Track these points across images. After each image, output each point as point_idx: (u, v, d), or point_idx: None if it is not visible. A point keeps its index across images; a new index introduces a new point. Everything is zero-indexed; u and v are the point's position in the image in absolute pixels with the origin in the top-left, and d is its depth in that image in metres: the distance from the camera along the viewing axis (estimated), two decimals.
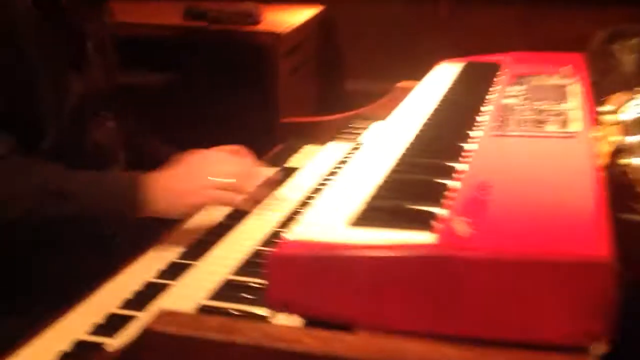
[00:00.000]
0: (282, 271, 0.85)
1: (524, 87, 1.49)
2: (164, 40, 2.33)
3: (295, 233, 0.90)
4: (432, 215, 0.92)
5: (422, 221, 0.90)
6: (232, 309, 1.03)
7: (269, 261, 0.85)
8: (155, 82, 2.37)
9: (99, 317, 1.08)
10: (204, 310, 1.04)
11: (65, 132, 1.36)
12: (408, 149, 1.20)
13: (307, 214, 0.97)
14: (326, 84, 2.66)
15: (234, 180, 1.31)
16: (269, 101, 2.22)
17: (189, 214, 1.33)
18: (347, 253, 0.84)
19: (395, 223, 0.90)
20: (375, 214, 0.94)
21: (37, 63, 1.29)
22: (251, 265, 1.16)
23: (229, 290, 1.09)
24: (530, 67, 1.67)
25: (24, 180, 1.24)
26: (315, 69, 2.62)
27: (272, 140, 1.93)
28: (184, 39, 2.32)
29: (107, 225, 1.31)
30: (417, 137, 1.27)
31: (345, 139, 1.80)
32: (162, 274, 1.19)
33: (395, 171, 1.11)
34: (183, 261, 1.22)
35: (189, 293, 1.10)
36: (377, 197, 1.00)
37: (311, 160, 1.67)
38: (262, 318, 0.99)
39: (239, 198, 1.32)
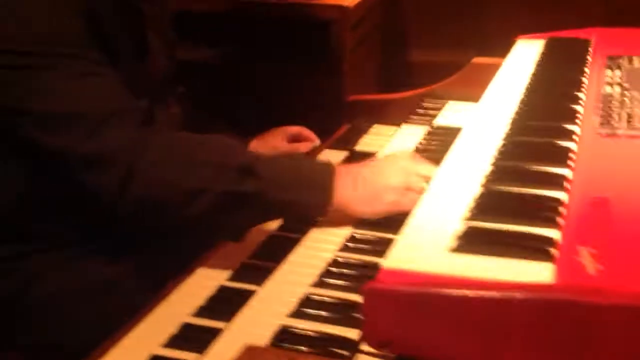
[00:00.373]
0: (380, 306, 0.76)
1: (619, 72, 1.36)
2: (223, 14, 2.21)
3: (392, 260, 0.81)
4: (547, 241, 0.81)
5: (536, 248, 0.80)
6: (317, 332, 0.95)
7: (365, 295, 0.76)
8: (213, 59, 2.27)
9: (171, 327, 1.00)
10: (287, 333, 0.95)
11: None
12: (502, 153, 1.09)
13: (405, 233, 0.87)
14: (390, 56, 2.53)
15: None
16: (335, 78, 2.10)
17: (382, 214, 1.17)
18: (454, 292, 0.74)
19: (505, 249, 0.80)
20: (480, 236, 0.84)
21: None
22: (332, 275, 1.07)
23: (310, 306, 1.01)
24: (619, 46, 1.53)
25: (206, 150, 1.14)
26: (380, 40, 2.49)
27: (337, 119, 1.83)
28: (245, 12, 2.20)
29: (287, 216, 1.21)
30: (511, 136, 1.15)
31: (418, 120, 1.68)
32: (235, 276, 1.12)
33: (491, 180, 1.00)
34: (256, 262, 1.14)
35: (269, 307, 1.02)
36: (478, 213, 0.90)
37: (385, 146, 1.56)
38: (352, 343, 0.91)
39: None
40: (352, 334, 0.93)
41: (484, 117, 1.25)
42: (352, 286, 1.03)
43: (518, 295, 0.71)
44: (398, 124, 1.69)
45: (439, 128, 1.61)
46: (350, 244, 1.15)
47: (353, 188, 1.14)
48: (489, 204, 0.92)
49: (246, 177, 1.11)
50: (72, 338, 1.17)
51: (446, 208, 0.92)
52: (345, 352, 0.90)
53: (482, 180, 0.99)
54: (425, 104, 1.76)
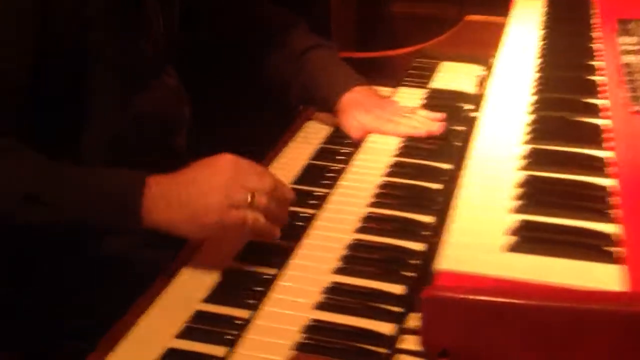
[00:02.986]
0: (440, 315, 0.71)
1: (635, 38, 1.31)
2: None
3: (447, 261, 0.75)
4: (604, 238, 0.77)
5: (595, 246, 0.75)
6: (348, 326, 0.89)
7: (423, 303, 0.71)
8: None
9: (183, 315, 0.94)
10: (315, 328, 0.90)
11: (121, 96, 1.18)
12: (532, 132, 1.03)
13: (453, 229, 0.81)
14: (366, 6, 2.44)
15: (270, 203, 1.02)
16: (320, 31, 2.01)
17: (201, 238, 1.05)
18: (522, 302, 0.69)
19: (563, 248, 0.75)
20: (534, 232, 0.79)
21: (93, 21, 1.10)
22: (355, 261, 1.02)
23: (337, 294, 0.95)
24: (626, 7, 1.48)
25: None
26: None
27: None
28: None
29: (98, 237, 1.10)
30: (537, 113, 1.10)
31: (413, 82, 1.61)
32: (244, 256, 1.05)
33: (530, 165, 0.95)
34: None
35: (294, 297, 0.96)
36: (527, 204, 0.85)
37: None
38: (386, 339, 0.86)
39: (277, 231, 1.03)
40: (385, 328, 0.88)
41: (501, 92, 1.19)
42: (379, 272, 0.98)
43: (594, 306, 0.66)
44: (390, 85, 1.62)
45: (436, 91, 1.55)
46: (367, 225, 1.09)
47: (168, 211, 0.99)
48: (535, 192, 0.87)
49: (32, 206, 0.99)
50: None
51: (489, 198, 0.86)
52: (382, 350, 0.85)
53: (519, 164, 0.94)
54: (417, 64, 1.69)
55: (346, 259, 1.02)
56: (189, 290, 1.01)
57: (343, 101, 1.37)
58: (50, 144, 1.07)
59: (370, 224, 1.09)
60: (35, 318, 1.17)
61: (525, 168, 0.92)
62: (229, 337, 0.90)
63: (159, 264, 1.08)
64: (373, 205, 1.14)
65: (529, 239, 0.77)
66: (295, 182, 1.25)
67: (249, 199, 0.99)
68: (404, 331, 0.86)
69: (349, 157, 1.30)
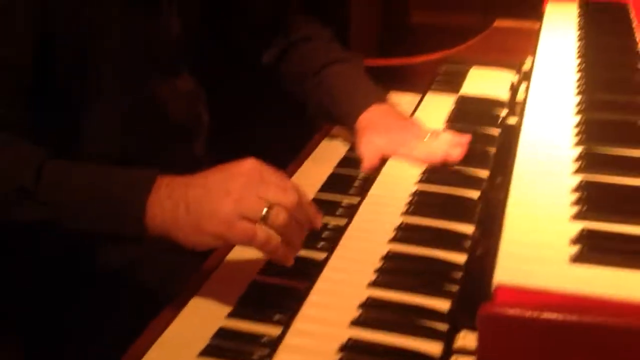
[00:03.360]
0: (499, 334, 0.63)
1: None
2: None
3: (506, 274, 0.67)
4: None
5: None
6: (389, 345, 0.82)
7: (480, 321, 0.63)
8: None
9: (205, 333, 0.87)
10: (354, 347, 0.82)
11: (126, 93, 1.10)
12: (582, 134, 0.96)
13: (508, 239, 0.74)
14: (389, 17, 2.38)
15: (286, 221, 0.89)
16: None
17: (202, 248, 0.93)
18: (592, 318, 0.61)
19: (633, 259, 0.68)
20: (599, 241, 0.72)
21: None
22: (392, 273, 0.94)
23: (375, 309, 0.87)
24: None
25: None
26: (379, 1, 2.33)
27: None
28: None
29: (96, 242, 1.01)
30: (585, 114, 1.02)
31: (442, 88, 1.54)
32: (269, 270, 0.98)
33: (584, 168, 0.87)
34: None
35: (328, 312, 0.88)
36: (588, 210, 0.77)
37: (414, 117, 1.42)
38: None
39: (291, 257, 0.91)
40: (432, 347, 0.81)
41: (542, 95, 1.11)
42: (418, 285, 0.90)
43: None
44: (416, 92, 1.55)
45: (467, 98, 1.48)
46: (402, 234, 1.02)
47: (173, 214, 0.89)
48: (593, 197, 0.79)
49: (27, 202, 0.92)
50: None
51: (543, 205, 0.79)
52: None
53: (573, 167, 0.87)
54: (445, 70, 1.63)
55: (382, 271, 0.94)
56: (212, 305, 0.93)
57: (360, 122, 1.26)
58: (53, 147, 0.99)
59: (406, 233, 1.01)
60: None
61: (580, 171, 0.84)
62: (256, 356, 0.83)
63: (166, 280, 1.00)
64: (407, 213, 1.07)
65: (595, 247, 0.69)
66: (320, 191, 1.19)
67: (264, 212, 0.87)
68: (452, 351, 0.79)
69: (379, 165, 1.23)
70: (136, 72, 1.11)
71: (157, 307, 0.93)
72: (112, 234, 0.92)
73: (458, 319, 0.83)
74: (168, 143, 1.18)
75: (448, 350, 0.79)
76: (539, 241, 0.72)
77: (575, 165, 0.87)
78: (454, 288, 0.90)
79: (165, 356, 0.86)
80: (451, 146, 1.18)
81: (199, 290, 0.97)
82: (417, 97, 1.51)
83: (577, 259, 0.69)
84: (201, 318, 0.91)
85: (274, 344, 0.83)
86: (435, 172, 1.16)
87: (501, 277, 0.66)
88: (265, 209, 0.87)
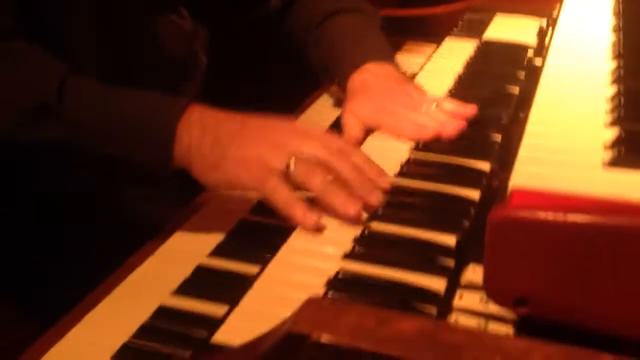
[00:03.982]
0: (517, 246, 0.51)
1: None
2: None
3: (522, 176, 0.55)
4: None
5: None
6: (383, 279, 0.70)
7: (491, 228, 0.51)
8: None
9: (143, 312, 0.71)
10: (345, 281, 0.70)
11: (118, 22, 0.99)
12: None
13: (527, 144, 0.61)
14: None
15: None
16: None
17: (222, 187, 0.84)
18: (623, 221, 0.48)
19: None
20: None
21: None
22: (394, 207, 0.82)
23: (373, 243, 0.75)
24: None
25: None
26: None
27: None
28: None
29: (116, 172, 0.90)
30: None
31: (462, 35, 1.42)
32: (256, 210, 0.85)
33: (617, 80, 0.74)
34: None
35: (316, 246, 0.76)
36: (627, 115, 0.64)
37: (425, 66, 1.29)
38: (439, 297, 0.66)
39: (313, 217, 0.79)
40: (437, 283, 0.69)
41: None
42: (423, 220, 0.78)
43: None
44: (437, 43, 1.42)
45: (490, 42, 1.35)
46: (408, 169, 0.90)
47: (198, 143, 0.81)
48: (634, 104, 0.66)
49: (44, 120, 0.83)
50: None
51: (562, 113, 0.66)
52: (432, 307, 0.65)
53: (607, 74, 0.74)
54: (467, 17, 1.50)
55: (384, 204, 0.82)
56: (192, 243, 0.81)
57: (350, 83, 1.06)
58: None
59: (413, 168, 0.89)
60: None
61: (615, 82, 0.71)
62: (231, 296, 0.71)
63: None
64: (416, 149, 0.94)
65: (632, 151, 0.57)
66: None
67: (291, 164, 0.79)
68: (458, 286, 0.67)
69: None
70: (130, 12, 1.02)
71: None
72: (137, 160, 0.84)
73: (466, 253, 0.71)
74: (161, 78, 1.06)
75: (453, 286, 0.67)
76: (564, 146, 0.59)
77: (611, 77, 0.74)
78: (465, 223, 0.77)
79: (134, 293, 0.74)
80: (449, 118, 0.97)
81: (183, 225, 0.85)
82: (433, 47, 1.38)
83: (611, 162, 0.56)
84: (181, 255, 0.79)
85: (252, 281, 0.71)
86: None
87: (517, 179, 0.53)
88: (292, 162, 0.79)
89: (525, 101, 1.05)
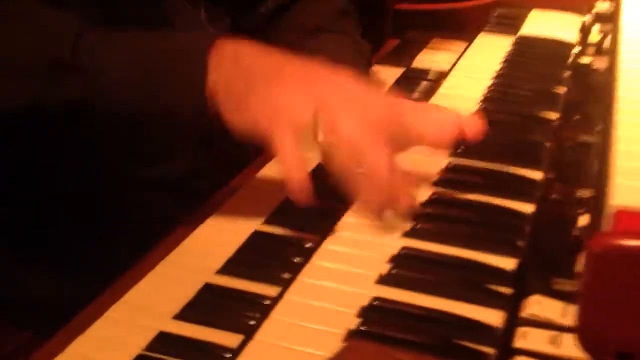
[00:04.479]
0: (620, 284, 0.39)
1: None
2: None
3: (625, 193, 0.43)
4: None
5: None
6: (425, 308, 0.58)
7: (590, 261, 0.39)
8: None
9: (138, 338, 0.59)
10: (378, 309, 0.58)
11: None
12: None
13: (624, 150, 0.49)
14: None
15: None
16: None
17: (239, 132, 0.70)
18: None
19: None
20: None
21: None
22: (434, 221, 0.70)
23: (410, 265, 0.63)
24: None
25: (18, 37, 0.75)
26: None
27: (380, 33, 1.44)
28: None
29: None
30: None
31: (496, 30, 1.30)
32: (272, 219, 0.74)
33: None
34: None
35: (344, 266, 0.65)
36: None
37: (456, 62, 1.17)
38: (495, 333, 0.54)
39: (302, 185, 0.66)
40: (492, 317, 0.57)
41: None
42: (470, 238, 0.66)
43: None
44: (464, 40, 1.30)
45: (529, 38, 1.23)
46: (449, 176, 0.78)
47: (228, 79, 0.70)
48: None
49: (62, 78, 0.73)
50: None
51: None
52: (488, 348, 0.53)
53: None
54: (499, 13, 1.38)
55: (422, 218, 0.70)
56: (197, 258, 0.70)
57: None
58: None
59: (454, 175, 0.77)
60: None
61: None
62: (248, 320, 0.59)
63: None
64: (456, 155, 0.83)
65: None
66: None
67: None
68: (519, 321, 0.55)
69: None
70: None
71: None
72: (168, 107, 0.72)
73: (524, 280, 0.59)
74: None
75: (513, 320, 0.55)
76: None
77: None
78: (521, 244, 0.66)
79: (130, 316, 0.63)
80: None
81: (187, 236, 0.73)
82: (465, 45, 1.26)
83: None
84: (184, 271, 0.67)
85: (271, 306, 0.60)
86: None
87: (619, 198, 0.41)
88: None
89: (574, 103, 0.94)
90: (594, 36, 1.14)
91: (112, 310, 0.62)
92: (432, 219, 0.70)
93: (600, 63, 1.05)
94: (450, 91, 1.03)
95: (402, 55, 1.28)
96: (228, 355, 0.56)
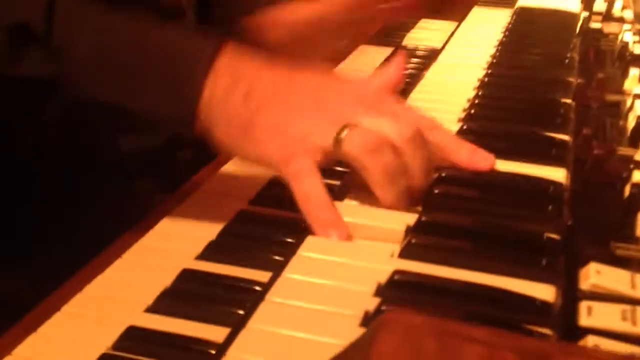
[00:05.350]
0: None
1: None
2: None
3: None
4: None
5: None
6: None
7: None
8: None
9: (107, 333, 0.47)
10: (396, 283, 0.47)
11: None
12: None
13: None
14: None
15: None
16: None
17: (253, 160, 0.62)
18: None
19: None
20: None
21: None
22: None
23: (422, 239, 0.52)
24: None
25: None
26: None
27: None
28: None
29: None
30: None
31: (491, 4, 1.21)
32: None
33: None
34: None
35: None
36: None
37: (448, 40, 1.07)
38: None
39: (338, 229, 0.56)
40: (539, 291, 0.46)
41: None
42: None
43: None
44: (456, 20, 1.20)
45: (530, 10, 1.14)
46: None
47: (225, 97, 0.60)
48: None
49: (29, 50, 0.62)
50: None
51: None
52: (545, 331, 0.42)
53: None
54: None
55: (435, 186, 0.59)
56: (176, 241, 0.58)
57: None
58: None
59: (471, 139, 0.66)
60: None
61: None
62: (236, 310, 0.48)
63: None
64: (467, 120, 0.72)
65: None
66: None
67: (341, 134, 0.56)
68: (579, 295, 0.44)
69: None
70: None
71: None
72: (150, 111, 0.63)
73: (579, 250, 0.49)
74: None
75: (571, 293, 0.44)
76: None
77: None
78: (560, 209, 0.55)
79: (98, 307, 0.51)
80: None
81: (163, 218, 0.61)
82: (456, 25, 1.16)
83: None
84: (161, 256, 0.56)
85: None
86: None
87: None
88: (345, 132, 0.56)
89: (590, 67, 0.85)
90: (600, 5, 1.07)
91: (71, 304, 0.50)
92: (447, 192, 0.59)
93: (611, 28, 0.98)
94: (451, 60, 0.93)
95: (391, 35, 1.18)
96: (213, 352, 0.44)
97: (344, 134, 0.56)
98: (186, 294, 0.51)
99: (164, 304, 0.49)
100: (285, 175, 0.57)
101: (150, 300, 0.50)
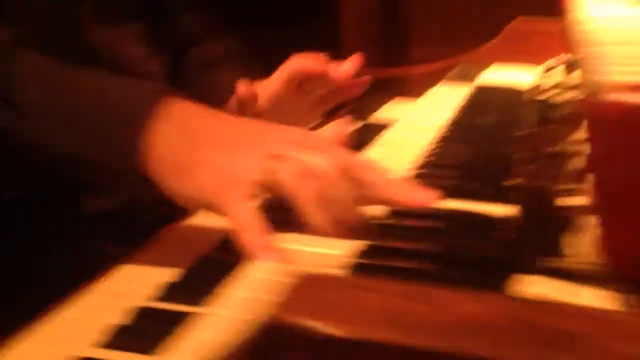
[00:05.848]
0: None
1: None
2: None
3: None
4: None
5: None
6: None
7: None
8: None
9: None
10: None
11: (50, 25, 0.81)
12: None
13: None
14: (390, 50, 2.15)
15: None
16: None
17: (191, 202, 0.64)
18: None
19: None
20: None
21: None
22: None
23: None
24: None
25: None
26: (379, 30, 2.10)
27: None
28: None
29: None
30: None
31: (455, 80, 1.26)
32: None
33: None
34: None
35: None
36: None
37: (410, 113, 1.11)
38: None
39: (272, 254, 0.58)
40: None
41: None
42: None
43: None
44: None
45: (485, 88, 1.19)
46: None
47: (164, 139, 0.63)
48: None
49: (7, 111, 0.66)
50: None
51: None
52: None
53: None
54: (460, 69, 1.35)
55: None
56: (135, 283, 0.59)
57: None
58: None
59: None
60: None
61: None
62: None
63: None
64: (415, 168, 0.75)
65: None
66: None
67: (274, 170, 0.60)
68: None
69: None
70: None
71: None
72: (93, 161, 0.66)
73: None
74: None
75: None
76: None
77: None
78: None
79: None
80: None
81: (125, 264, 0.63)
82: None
83: None
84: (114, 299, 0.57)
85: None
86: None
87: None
88: (280, 167, 0.60)
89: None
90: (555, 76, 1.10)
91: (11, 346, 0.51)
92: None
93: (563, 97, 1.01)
94: (408, 124, 0.97)
95: (361, 110, 1.22)
96: None
97: (275, 164, 0.59)
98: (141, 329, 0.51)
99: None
100: (218, 206, 0.60)
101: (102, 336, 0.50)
